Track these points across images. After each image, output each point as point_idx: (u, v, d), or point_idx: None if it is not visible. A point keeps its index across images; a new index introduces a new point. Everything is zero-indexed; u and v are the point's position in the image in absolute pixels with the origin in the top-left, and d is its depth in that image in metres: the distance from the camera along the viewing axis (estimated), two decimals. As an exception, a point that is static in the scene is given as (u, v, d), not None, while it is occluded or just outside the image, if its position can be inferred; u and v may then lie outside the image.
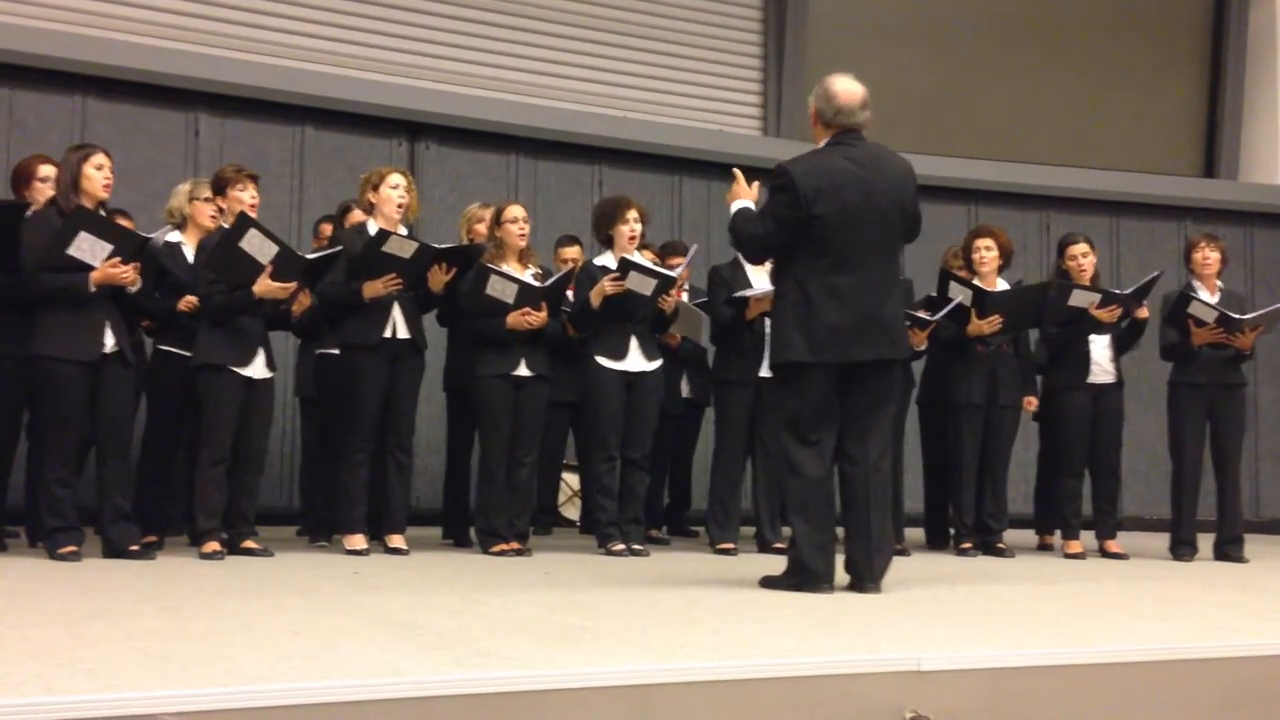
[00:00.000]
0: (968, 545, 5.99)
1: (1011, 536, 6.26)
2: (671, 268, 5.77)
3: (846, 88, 4.11)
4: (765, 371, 5.04)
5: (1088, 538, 6.26)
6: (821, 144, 4.15)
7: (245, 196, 4.98)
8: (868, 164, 4.06)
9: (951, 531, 6.24)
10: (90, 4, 7.23)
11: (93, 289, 4.57)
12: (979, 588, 4.45)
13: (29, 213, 4.77)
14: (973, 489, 6.08)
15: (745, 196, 4.27)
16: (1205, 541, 6.24)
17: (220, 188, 5.04)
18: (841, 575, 4.08)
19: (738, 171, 4.36)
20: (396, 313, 5.20)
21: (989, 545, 6.02)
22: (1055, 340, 6.21)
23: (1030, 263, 8.58)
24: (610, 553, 5.37)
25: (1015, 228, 8.11)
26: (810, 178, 4.01)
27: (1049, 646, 2.99)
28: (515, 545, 5.31)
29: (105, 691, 2.07)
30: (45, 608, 3.30)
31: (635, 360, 5.53)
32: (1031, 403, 6.35)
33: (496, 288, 5.28)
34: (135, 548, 4.65)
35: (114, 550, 4.64)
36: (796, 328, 4.00)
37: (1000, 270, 6.17)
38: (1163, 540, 6.34)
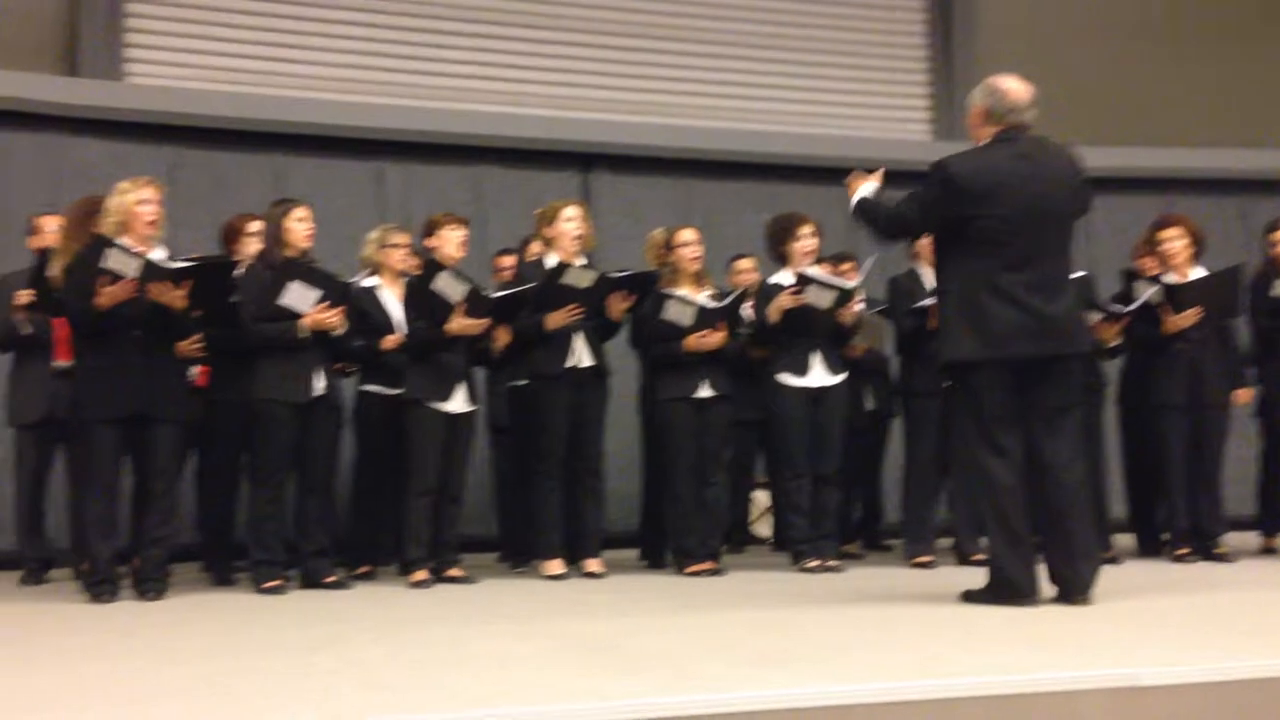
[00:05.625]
0: (1184, 551, 5.70)
1: (1233, 540, 5.92)
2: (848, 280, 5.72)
3: (1017, 85, 4.06)
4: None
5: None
6: (983, 143, 4.07)
7: (455, 237, 5.22)
8: (1036, 159, 3.98)
9: (1165, 538, 5.95)
10: (274, 65, 7.67)
11: (304, 335, 4.86)
12: (1197, 596, 4.25)
13: (241, 268, 5.12)
14: (1183, 492, 5.78)
15: (866, 182, 4.29)
16: None
17: (431, 230, 5.28)
18: (1048, 587, 3.96)
19: (853, 175, 4.40)
20: (579, 342, 5.33)
21: (1206, 550, 5.71)
22: (1266, 333, 5.85)
23: (1231, 254, 8.12)
24: (805, 570, 5.34)
25: (1211, 217, 7.68)
26: (976, 177, 3.95)
27: (1277, 657, 2.83)
28: (709, 565, 5.34)
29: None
30: (271, 640, 3.50)
31: (819, 375, 5.50)
32: (1241, 396, 6.00)
33: (673, 312, 5.36)
34: (331, 579, 4.92)
35: (311, 581, 4.92)
36: (967, 327, 3.94)
37: (1195, 259, 5.85)
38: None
